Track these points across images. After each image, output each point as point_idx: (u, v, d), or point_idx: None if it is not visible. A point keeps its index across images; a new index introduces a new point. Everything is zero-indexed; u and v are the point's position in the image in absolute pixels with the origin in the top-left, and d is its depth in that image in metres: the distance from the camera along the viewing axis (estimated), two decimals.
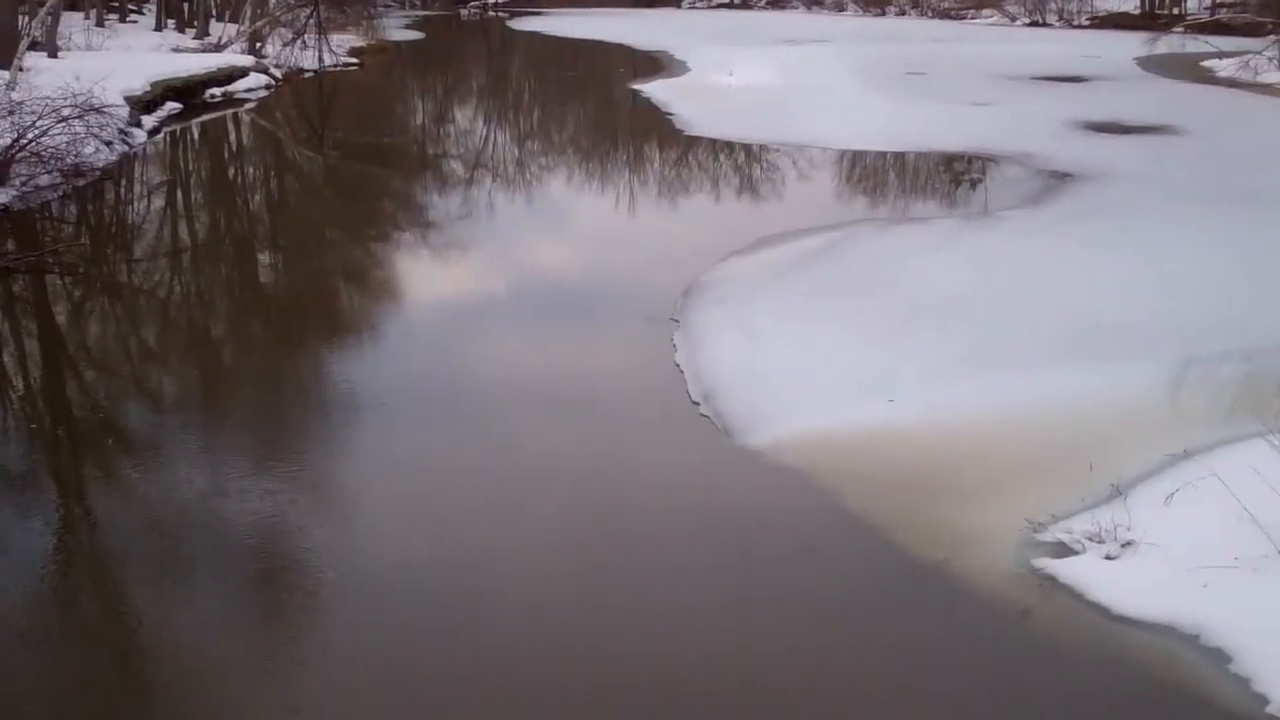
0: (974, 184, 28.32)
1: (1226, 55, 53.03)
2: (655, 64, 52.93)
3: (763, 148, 31.26)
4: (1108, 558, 10.08)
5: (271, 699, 8.44)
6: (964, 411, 13.19)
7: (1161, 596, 9.57)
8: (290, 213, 26.49)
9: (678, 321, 16.88)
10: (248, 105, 42.81)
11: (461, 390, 14.38)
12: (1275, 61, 49.37)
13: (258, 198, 28.05)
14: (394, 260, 21.84)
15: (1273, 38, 51.22)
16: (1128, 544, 10.20)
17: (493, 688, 8.56)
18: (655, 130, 34.73)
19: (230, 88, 44.26)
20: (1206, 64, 52.79)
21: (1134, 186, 25.19)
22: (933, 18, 73.31)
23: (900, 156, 29.86)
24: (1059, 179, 26.21)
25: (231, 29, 58.18)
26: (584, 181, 28.78)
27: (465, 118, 43.35)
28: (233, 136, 38.22)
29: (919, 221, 24.15)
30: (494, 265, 21.13)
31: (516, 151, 33.46)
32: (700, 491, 11.70)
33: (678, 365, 15.20)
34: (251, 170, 31.18)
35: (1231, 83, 47.54)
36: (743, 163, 30.18)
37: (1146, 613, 9.45)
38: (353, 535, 11.10)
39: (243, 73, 46.70)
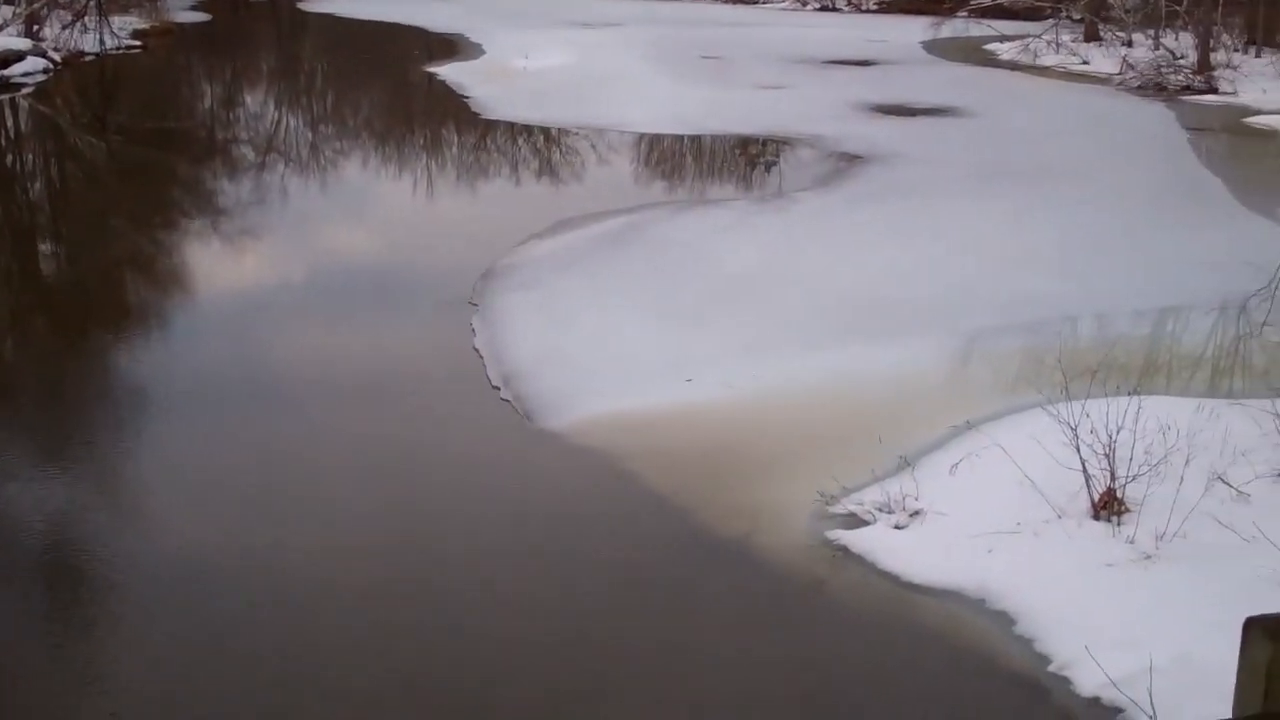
0: (768, 166, 28.70)
1: (1008, 39, 54.46)
2: (451, 47, 52.37)
3: (560, 131, 31.22)
4: (897, 527, 10.38)
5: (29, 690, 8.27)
6: (759, 389, 13.32)
7: (948, 563, 9.83)
8: (72, 201, 25.92)
9: (476, 305, 16.65)
10: (24, 90, 41.11)
11: (253, 379, 14.08)
12: (1053, 45, 50.90)
13: (37, 186, 27.24)
14: (181, 247, 21.32)
15: (1051, 21, 52.78)
16: (916, 513, 10.49)
17: (277, 674, 8.56)
18: (452, 113, 34.43)
19: (4, 72, 42.52)
20: (989, 47, 54.21)
21: (920, 167, 25.93)
22: (725, 2, 73.82)
23: (696, 140, 30.18)
24: (849, 160, 26.76)
25: (7, 10, 55.96)
26: (379, 165, 28.47)
27: (255, 101, 42.30)
28: (9, 123, 36.60)
29: (715, 204, 24.35)
30: (285, 251, 20.81)
31: (309, 136, 32.87)
32: (499, 475, 11.65)
33: (477, 350, 15.00)
34: (29, 158, 30.01)
35: (1013, 65, 48.90)
36: (540, 146, 30.11)
37: (934, 579, 9.71)
38: (133, 526, 10.77)
39: (18, 56, 44.89)
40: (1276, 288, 13.83)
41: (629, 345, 14.81)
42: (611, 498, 11.24)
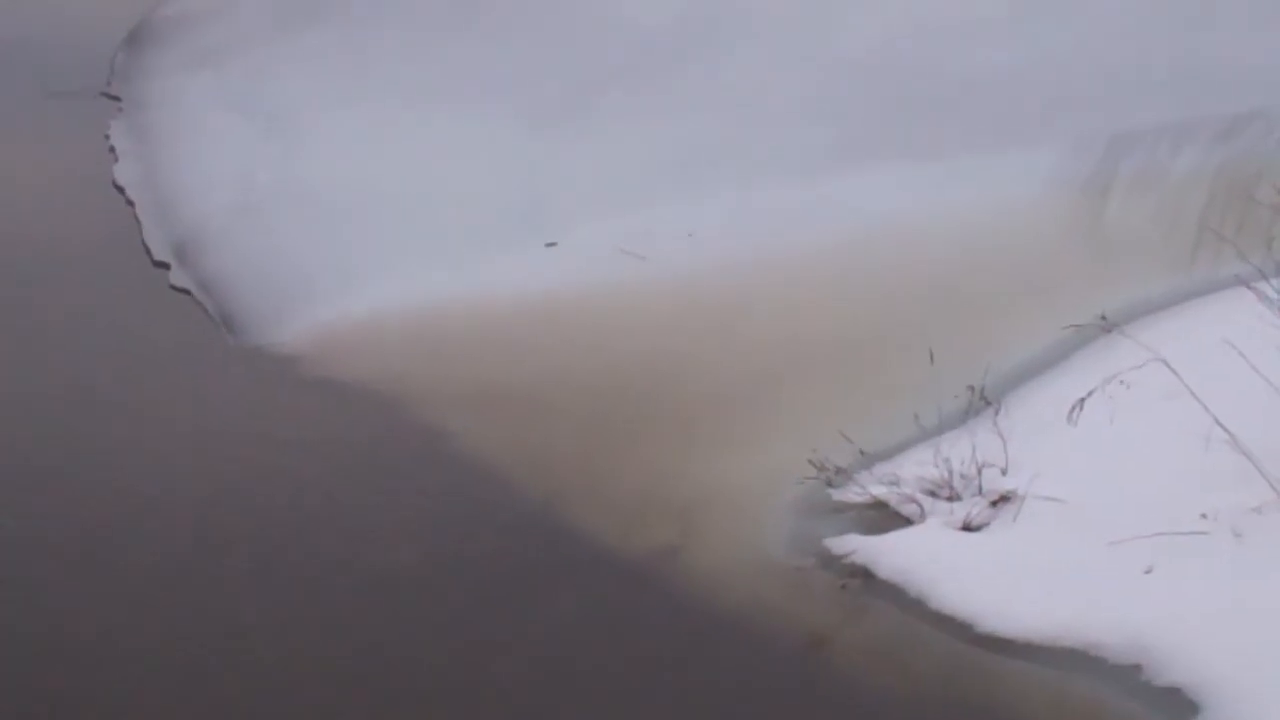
0: None
1: None
2: None
3: None
4: (967, 527, 7.62)
5: None
6: (697, 256, 10.12)
7: (1068, 599, 7.04)
8: None
9: (119, 100, 12.83)
10: None
11: None
12: None
13: None
14: None
15: None
16: (1003, 499, 7.70)
17: None
18: None
19: None
20: None
21: None
22: None
23: None
24: None
25: None
26: None
27: None
28: None
29: None
30: None
31: None
32: (174, 462, 8.55)
33: (121, 189, 11.46)
34: None
35: None
36: None
37: (1043, 632, 6.96)
38: None
39: None
40: None
41: (437, 172, 11.27)
42: (399, 476, 8.36)
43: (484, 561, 7.64)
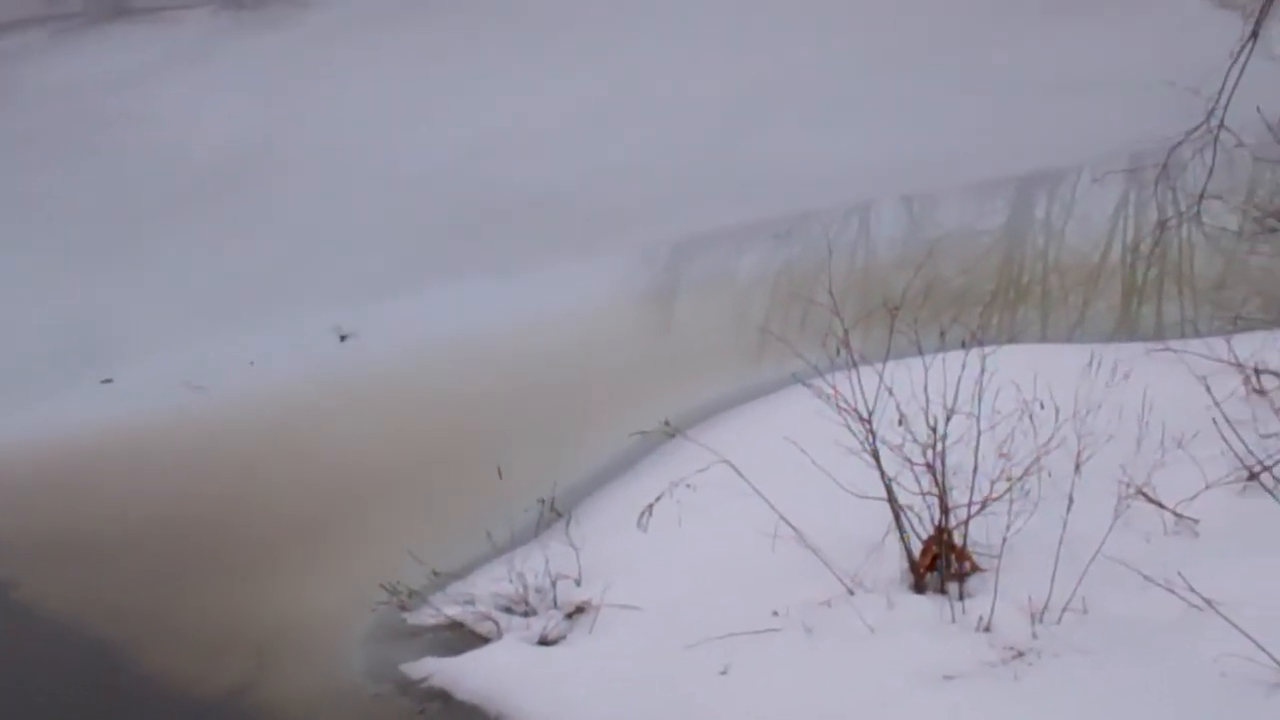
0: None
1: None
2: None
3: None
4: (544, 642, 7.60)
5: None
6: (251, 384, 9.97)
7: (647, 705, 7.04)
8: None
9: None
10: None
11: None
12: None
13: None
14: None
15: None
16: (579, 610, 7.78)
17: None
18: None
19: None
20: None
21: None
22: None
23: None
24: None
25: None
26: None
27: None
28: None
29: (146, 14, 18.16)
30: None
31: None
32: None
33: None
34: None
35: None
36: None
37: None
38: None
39: None
40: (1218, 124, 9.92)
41: None
42: None
43: (46, 716, 7.41)
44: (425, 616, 7.88)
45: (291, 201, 12.69)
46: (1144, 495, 7.67)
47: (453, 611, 7.84)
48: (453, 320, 10.86)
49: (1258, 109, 10.68)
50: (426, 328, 10.80)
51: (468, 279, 11.31)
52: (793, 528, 7.63)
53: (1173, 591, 6.88)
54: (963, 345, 8.14)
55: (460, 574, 8.11)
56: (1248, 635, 6.46)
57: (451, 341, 10.54)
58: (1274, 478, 7.70)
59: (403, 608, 7.88)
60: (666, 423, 8.87)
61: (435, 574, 7.99)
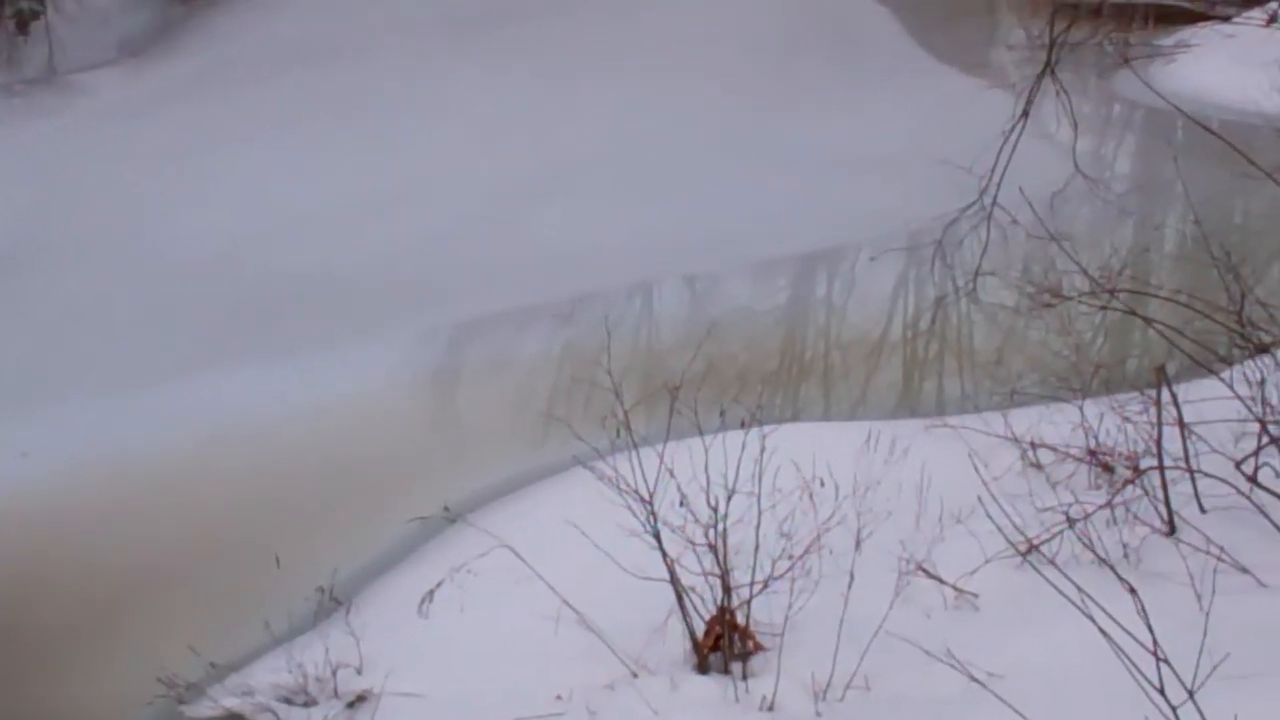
0: (22, 16, 19.58)
1: None
2: None
3: None
4: None
5: None
6: (25, 477, 9.60)
7: None
8: None
9: None
10: None
11: None
12: None
13: None
14: None
15: None
16: (360, 699, 7.61)
17: None
18: None
19: None
20: None
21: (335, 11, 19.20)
22: None
23: None
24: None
25: None
26: None
27: None
28: None
29: None
30: None
31: None
32: None
33: None
34: None
35: None
36: None
37: None
38: None
39: None
40: (991, 202, 10.23)
41: None
42: None
43: None
44: (203, 709, 7.70)
45: (70, 289, 12.40)
46: (924, 571, 7.72)
47: (231, 703, 7.67)
48: (232, 405, 10.71)
49: (1020, 189, 10.85)
50: (205, 411, 10.57)
51: (243, 365, 11.20)
52: (575, 611, 7.63)
53: (953, 667, 6.81)
54: (742, 425, 8.08)
55: (238, 665, 7.93)
56: (1021, 714, 6.28)
57: (232, 426, 10.39)
58: (1043, 556, 7.63)
59: (180, 700, 7.68)
60: (446, 508, 8.79)
61: (213, 666, 7.79)
